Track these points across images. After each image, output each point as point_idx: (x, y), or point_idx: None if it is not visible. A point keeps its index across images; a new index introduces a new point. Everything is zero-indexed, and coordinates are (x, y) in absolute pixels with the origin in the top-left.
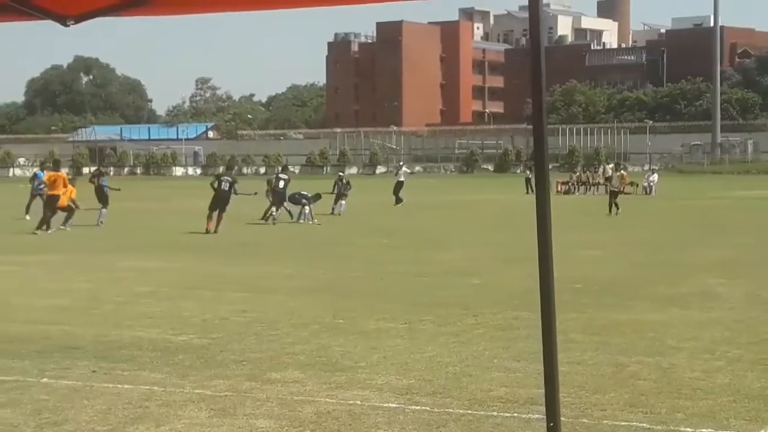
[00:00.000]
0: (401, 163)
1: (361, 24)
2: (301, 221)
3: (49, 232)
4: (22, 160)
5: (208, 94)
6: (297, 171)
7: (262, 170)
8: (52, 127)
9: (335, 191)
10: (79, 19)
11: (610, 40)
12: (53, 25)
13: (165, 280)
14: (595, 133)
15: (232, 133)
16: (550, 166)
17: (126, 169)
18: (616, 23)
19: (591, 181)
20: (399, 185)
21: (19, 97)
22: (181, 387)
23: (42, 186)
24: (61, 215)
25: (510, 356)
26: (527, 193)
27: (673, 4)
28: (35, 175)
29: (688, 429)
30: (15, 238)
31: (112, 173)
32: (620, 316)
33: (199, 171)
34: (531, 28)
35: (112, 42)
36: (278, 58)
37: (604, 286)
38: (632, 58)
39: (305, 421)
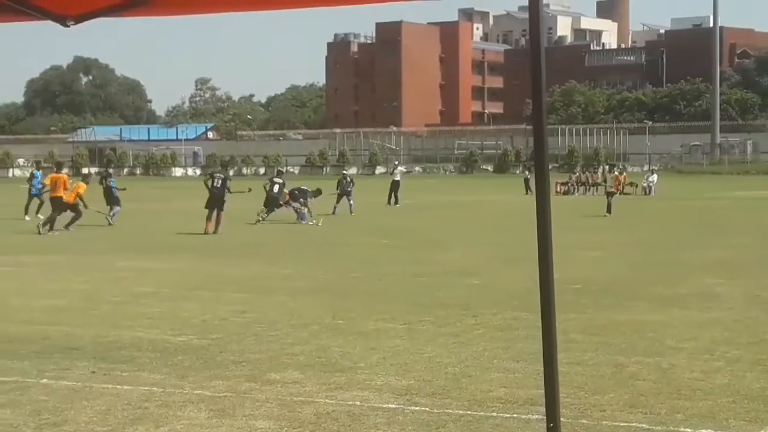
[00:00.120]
0: (396, 163)
1: (361, 24)
2: (302, 222)
3: (51, 233)
4: (21, 161)
5: (207, 95)
6: (297, 171)
7: (262, 171)
8: (52, 128)
9: (339, 190)
10: (78, 19)
11: (610, 40)
12: (53, 26)
13: (164, 280)
14: (594, 133)
15: (231, 134)
16: (549, 167)
17: (125, 170)
18: (616, 24)
19: (590, 182)
20: (395, 185)
21: (19, 98)
22: (181, 388)
23: (40, 186)
24: (66, 216)
25: (509, 357)
26: (526, 193)
27: (673, 4)
28: (32, 175)
29: (688, 429)
30: (14, 238)
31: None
32: (620, 316)
33: (198, 171)
34: (531, 29)
35: (111, 42)
36: (278, 58)
37: (603, 286)
38: (631, 58)
39: (305, 422)
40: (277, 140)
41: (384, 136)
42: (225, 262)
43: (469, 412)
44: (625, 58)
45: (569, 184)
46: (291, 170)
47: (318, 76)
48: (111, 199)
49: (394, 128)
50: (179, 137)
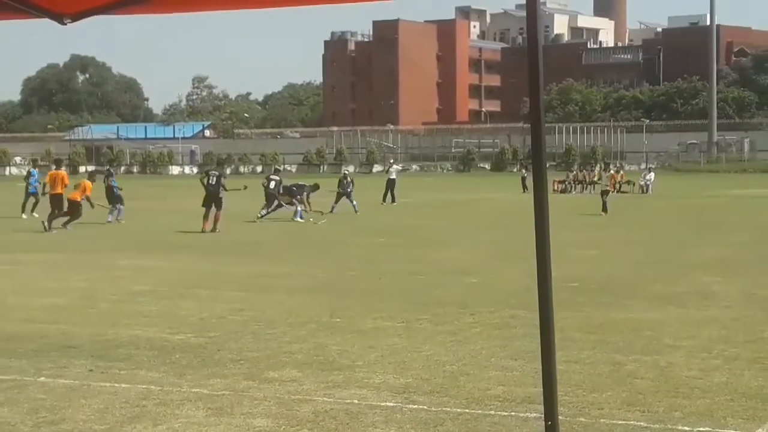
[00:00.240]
0: (392, 161)
1: (358, 23)
2: (297, 219)
3: (49, 232)
4: (18, 159)
5: (204, 93)
6: (294, 170)
7: (259, 169)
8: (49, 126)
9: (340, 189)
10: (76, 17)
11: (607, 38)
12: (49, 23)
13: (162, 279)
14: (591, 131)
15: (228, 132)
16: (547, 165)
17: (122, 168)
18: (613, 22)
19: (587, 180)
20: (391, 183)
21: (16, 96)
22: (179, 386)
23: (37, 184)
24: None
25: (507, 355)
26: (523, 192)
27: (670, 2)
28: (29, 173)
29: (686, 428)
30: (12, 236)
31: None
32: (617, 314)
33: (195, 170)
34: (528, 27)
35: (108, 40)
36: (275, 56)
37: (600, 284)
38: (629, 56)
39: (303, 420)
40: (274, 138)
41: (381, 134)
42: (223, 260)
43: (467, 410)
44: (622, 56)
45: (566, 183)
46: (288, 168)
47: (315, 75)
48: (113, 198)
49: (392, 126)
50: (176, 135)
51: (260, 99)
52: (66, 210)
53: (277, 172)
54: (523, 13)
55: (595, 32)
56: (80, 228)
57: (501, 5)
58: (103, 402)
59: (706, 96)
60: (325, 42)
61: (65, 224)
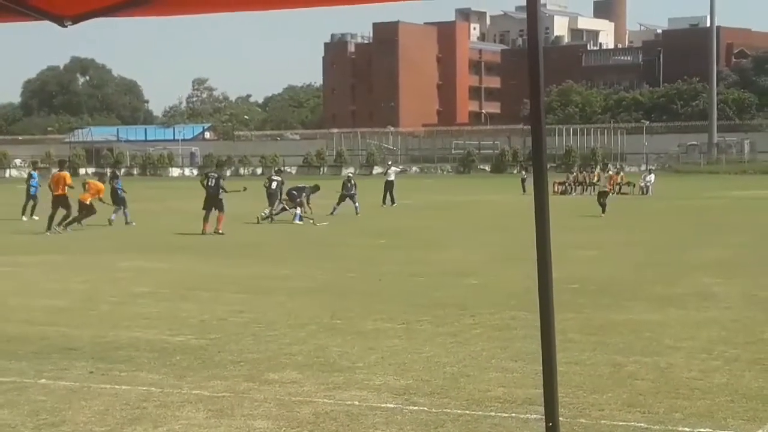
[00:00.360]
0: (390, 163)
1: (358, 25)
2: (297, 222)
3: (48, 233)
4: (18, 161)
5: (204, 95)
6: (294, 172)
7: (259, 171)
8: (49, 128)
9: (343, 191)
10: (76, 19)
11: (607, 40)
12: (50, 26)
13: (163, 280)
14: (591, 133)
15: (228, 134)
16: (547, 167)
17: (123, 170)
18: (613, 24)
19: (587, 182)
20: (389, 185)
21: (16, 98)
22: (179, 388)
23: (37, 186)
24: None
25: (508, 356)
26: (523, 193)
27: (670, 4)
28: (30, 175)
29: (686, 429)
30: (12, 238)
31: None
32: (617, 316)
33: (195, 172)
34: (528, 29)
35: (108, 43)
36: (275, 59)
37: (601, 286)
38: (629, 58)
39: (303, 422)
40: (275, 140)
41: (381, 136)
42: (223, 262)
43: (467, 412)
44: (622, 57)
45: (566, 184)
46: (288, 170)
47: (315, 77)
48: (117, 200)
49: (392, 128)
50: (176, 137)
51: (260, 101)
52: (78, 212)
53: (279, 172)
54: (523, 15)
55: (595, 34)
56: (81, 230)
57: (501, 7)
58: (103, 404)
59: (706, 97)
60: (325, 44)
61: (64, 224)
